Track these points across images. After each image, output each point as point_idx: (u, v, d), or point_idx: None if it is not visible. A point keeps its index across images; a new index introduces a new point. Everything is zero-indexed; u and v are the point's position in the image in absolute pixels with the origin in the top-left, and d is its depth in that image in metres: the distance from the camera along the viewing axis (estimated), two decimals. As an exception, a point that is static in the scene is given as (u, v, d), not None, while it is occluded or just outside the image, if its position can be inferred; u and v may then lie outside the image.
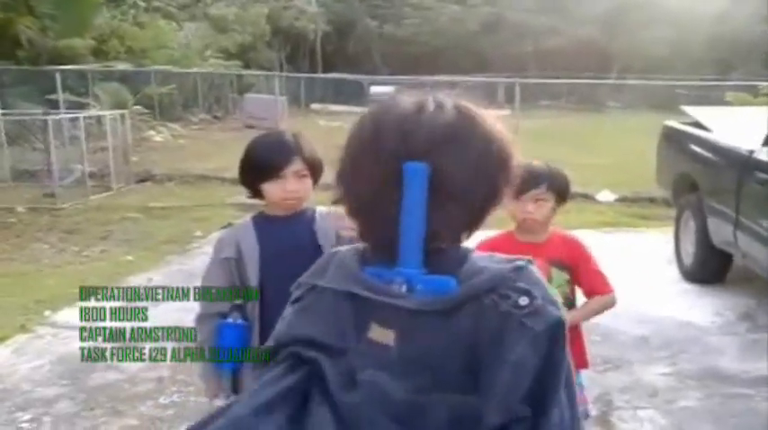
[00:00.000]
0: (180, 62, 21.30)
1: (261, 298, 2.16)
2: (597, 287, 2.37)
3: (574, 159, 12.30)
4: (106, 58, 18.99)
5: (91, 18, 17.61)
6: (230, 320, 2.15)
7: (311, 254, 2.13)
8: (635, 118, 17.06)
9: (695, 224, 5.48)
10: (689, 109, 6.46)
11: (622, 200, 9.56)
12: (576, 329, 2.39)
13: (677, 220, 6.02)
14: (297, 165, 2.11)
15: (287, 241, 2.18)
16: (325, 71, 34.59)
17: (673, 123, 6.51)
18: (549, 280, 2.27)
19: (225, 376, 2.19)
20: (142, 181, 11.03)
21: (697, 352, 4.16)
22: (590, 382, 3.72)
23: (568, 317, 2.18)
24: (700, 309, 4.93)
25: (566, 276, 2.32)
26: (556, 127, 17.03)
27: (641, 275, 5.80)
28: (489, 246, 2.37)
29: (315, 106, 27.27)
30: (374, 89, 31.44)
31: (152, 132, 16.15)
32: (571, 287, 2.34)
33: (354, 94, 29.43)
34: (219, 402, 2.14)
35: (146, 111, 16.90)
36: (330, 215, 2.24)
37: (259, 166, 2.14)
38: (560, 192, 2.31)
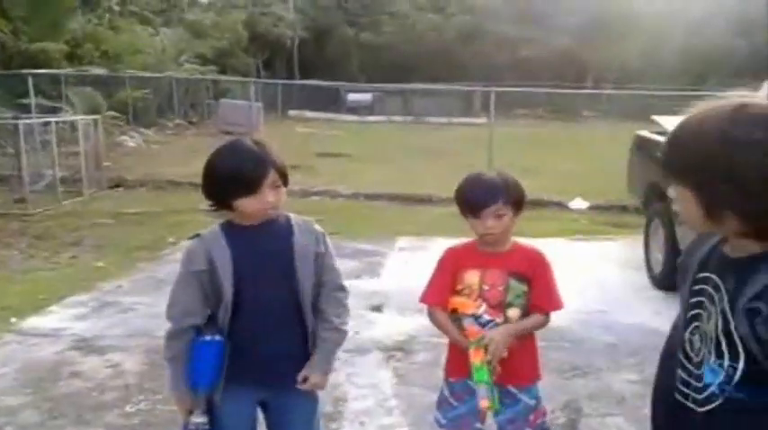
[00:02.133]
0: (155, 67, 21.20)
1: (234, 308, 2.10)
2: (542, 303, 2.32)
3: (548, 167, 12.48)
4: (80, 62, 18.83)
5: (64, 22, 17.45)
6: (207, 337, 2.09)
7: (285, 265, 2.13)
8: (610, 127, 17.28)
9: (664, 232, 5.55)
10: (660, 118, 6.53)
11: (595, 208, 9.67)
12: (530, 340, 2.38)
13: (647, 228, 6.09)
14: (272, 176, 2.05)
15: (261, 251, 2.12)
16: (302, 77, 34.61)
17: (643, 133, 6.60)
18: (507, 290, 2.27)
19: (200, 393, 2.11)
20: (114, 186, 10.93)
21: (665, 359, 4.19)
22: (558, 389, 3.76)
23: (497, 332, 2.19)
24: (668, 316, 4.92)
25: (524, 288, 2.28)
26: (531, 135, 17.20)
27: (611, 282, 5.86)
28: (452, 255, 2.38)
29: (291, 112, 27.26)
30: (351, 96, 31.52)
31: (125, 137, 16.03)
32: (528, 299, 2.30)
33: (331, 101, 29.47)
34: (197, 419, 2.10)
35: (119, 116, 16.79)
36: (309, 229, 2.21)
37: (234, 181, 2.02)
38: (517, 202, 2.29)
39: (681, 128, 1.29)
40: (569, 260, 6.68)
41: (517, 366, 2.30)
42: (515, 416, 2.37)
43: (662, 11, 34.81)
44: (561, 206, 9.80)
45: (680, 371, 1.36)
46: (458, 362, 2.32)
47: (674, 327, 1.44)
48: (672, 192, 1.31)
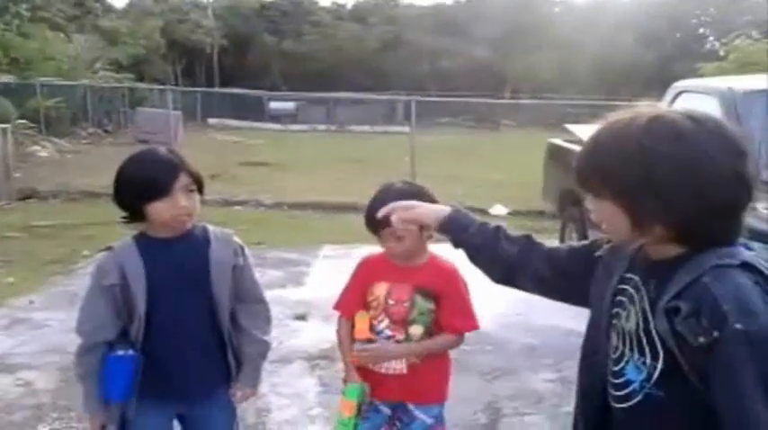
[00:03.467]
0: (68, 74, 20.46)
1: (147, 323, 2.06)
2: (453, 323, 2.24)
3: (469, 175, 12.75)
4: (-12, 69, 18.00)
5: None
6: (120, 352, 2.04)
7: (201, 277, 2.10)
8: (527, 136, 17.76)
9: (578, 236, 5.77)
10: (572, 127, 6.79)
11: (514, 213, 9.92)
12: (440, 360, 2.32)
13: (562, 233, 6.31)
14: (184, 180, 2.00)
15: (176, 263, 2.08)
16: (222, 86, 34.14)
17: (557, 141, 6.84)
18: (412, 306, 2.22)
19: (114, 408, 2.07)
20: (25, 198, 10.47)
21: (581, 358, 4.35)
22: (480, 391, 3.85)
23: (403, 347, 2.20)
24: (584, 317, 5.14)
25: (430, 305, 2.21)
26: (453, 144, 17.49)
27: (530, 286, 6.03)
28: (364, 265, 2.35)
29: (212, 121, 26.83)
30: (274, 104, 31.30)
31: (37, 147, 15.39)
32: (434, 317, 2.22)
33: (253, 110, 29.16)
34: None
35: (31, 125, 16.09)
36: (227, 241, 2.18)
37: (144, 185, 1.99)
38: None
39: (597, 139, 1.29)
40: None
41: (419, 385, 2.27)
42: None
43: (576, 24, 36.20)
44: (482, 212, 10.00)
45: (602, 370, 1.39)
46: (360, 378, 2.29)
47: (591, 327, 1.46)
48: (589, 203, 1.31)
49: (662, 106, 1.39)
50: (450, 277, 2.26)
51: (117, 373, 2.04)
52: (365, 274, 2.32)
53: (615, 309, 1.37)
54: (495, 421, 3.60)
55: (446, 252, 2.38)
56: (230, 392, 2.22)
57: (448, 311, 2.23)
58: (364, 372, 2.28)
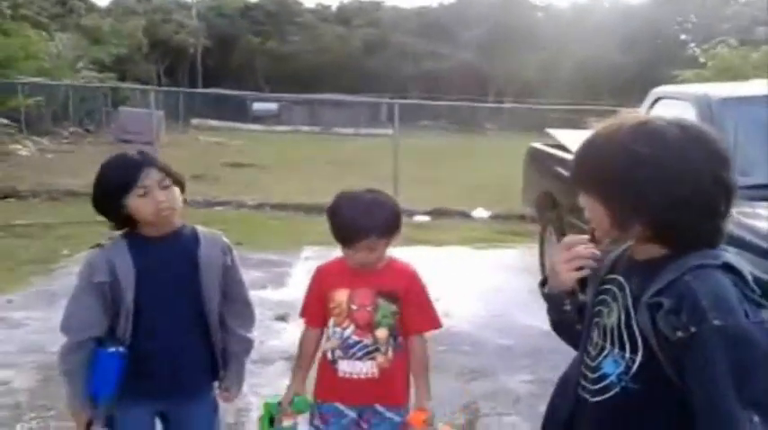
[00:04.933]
0: (50, 73, 20.28)
1: (136, 320, 2.08)
2: (416, 325, 2.27)
3: (452, 178, 12.80)
4: (-32, 67, 17.81)
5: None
6: (111, 349, 2.05)
7: (190, 279, 2.13)
8: (510, 139, 17.83)
9: (557, 239, 5.83)
10: (553, 131, 6.85)
11: (495, 217, 9.99)
12: (402, 364, 2.30)
13: (541, 236, 6.37)
14: (156, 175, 2.04)
15: (165, 263, 2.10)
16: (206, 86, 34.00)
17: (537, 145, 6.90)
18: (376, 310, 2.23)
19: (101, 405, 2.08)
20: (5, 197, 10.37)
21: (558, 359, 4.33)
22: (458, 392, 3.89)
23: (424, 395, 2.22)
24: (562, 319, 5.23)
25: (393, 308, 2.22)
26: (436, 147, 17.56)
27: (509, 287, 6.08)
28: (324, 271, 2.36)
29: (195, 121, 26.71)
30: (257, 105, 31.22)
31: (17, 146, 15.28)
32: (397, 319, 2.24)
33: (237, 110, 29.09)
34: None
35: (11, 123, 15.96)
36: (216, 241, 2.21)
37: (117, 184, 2.03)
38: (391, 231, 2.17)
39: (589, 143, 1.38)
40: (470, 267, 6.91)
41: (390, 387, 2.28)
42: None
43: (560, 29, 36.48)
44: (464, 215, 10.08)
45: (580, 366, 1.45)
46: (327, 384, 2.32)
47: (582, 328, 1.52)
48: (581, 201, 1.40)
49: (641, 112, 1.47)
50: (411, 279, 2.28)
51: (107, 370, 2.05)
52: (320, 284, 2.32)
53: (598, 308, 1.43)
54: (473, 421, 3.63)
55: (402, 254, 2.43)
56: (218, 392, 2.25)
57: (410, 313, 2.25)
58: (333, 379, 2.29)
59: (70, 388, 2.12)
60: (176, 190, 2.10)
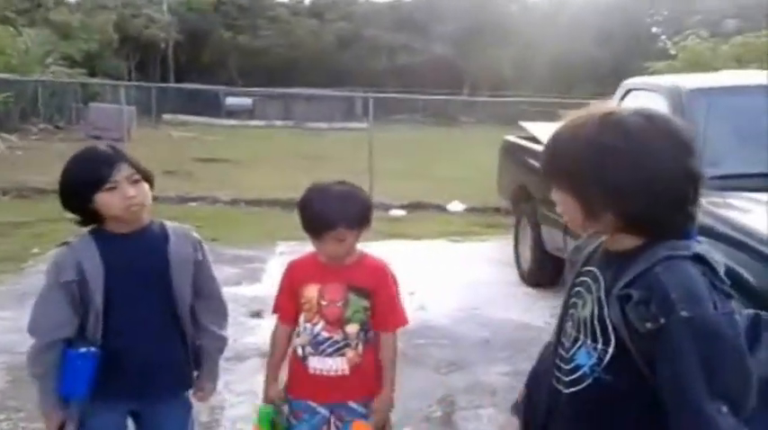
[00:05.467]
0: (18, 69, 19.92)
1: (106, 319, 2.03)
2: (385, 322, 2.26)
3: (427, 171, 12.81)
4: (-67, 63, 17.43)
5: None
6: (82, 349, 2.00)
7: (160, 275, 2.09)
8: (485, 133, 17.89)
9: (531, 231, 5.85)
10: (527, 124, 6.88)
11: (471, 210, 10.03)
12: (372, 358, 2.29)
13: (516, 228, 6.40)
14: (126, 170, 2.00)
15: (134, 260, 2.06)
16: (178, 81, 33.65)
17: (511, 138, 6.93)
18: (346, 305, 2.21)
19: (74, 406, 2.04)
20: (-28, 195, 10.19)
21: (534, 351, 4.35)
22: (435, 385, 3.89)
23: (388, 390, 2.24)
24: (537, 310, 5.26)
25: (364, 303, 2.21)
26: (411, 140, 17.55)
27: (485, 280, 6.10)
28: (295, 267, 2.34)
29: (167, 116, 26.43)
30: (230, 100, 30.99)
31: (-15, 143, 14.98)
32: (368, 314, 2.23)
33: (210, 105, 28.82)
34: None
35: (-22, 120, 15.66)
36: (186, 236, 2.17)
37: (87, 179, 1.98)
38: (361, 223, 2.17)
39: (557, 136, 1.38)
40: (447, 260, 6.92)
41: (361, 383, 2.27)
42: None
43: (533, 23, 36.64)
44: (440, 208, 10.10)
45: (554, 358, 1.46)
46: (298, 380, 2.31)
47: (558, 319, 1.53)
48: (553, 195, 1.40)
49: (613, 104, 1.46)
50: (382, 273, 2.28)
51: (79, 370, 2.01)
52: (293, 278, 2.30)
53: (573, 300, 1.44)
54: (450, 414, 3.64)
55: (378, 248, 2.41)
56: (192, 391, 2.22)
57: (380, 309, 2.24)
58: (303, 375, 2.27)
59: (42, 389, 2.08)
60: (146, 185, 2.06)
